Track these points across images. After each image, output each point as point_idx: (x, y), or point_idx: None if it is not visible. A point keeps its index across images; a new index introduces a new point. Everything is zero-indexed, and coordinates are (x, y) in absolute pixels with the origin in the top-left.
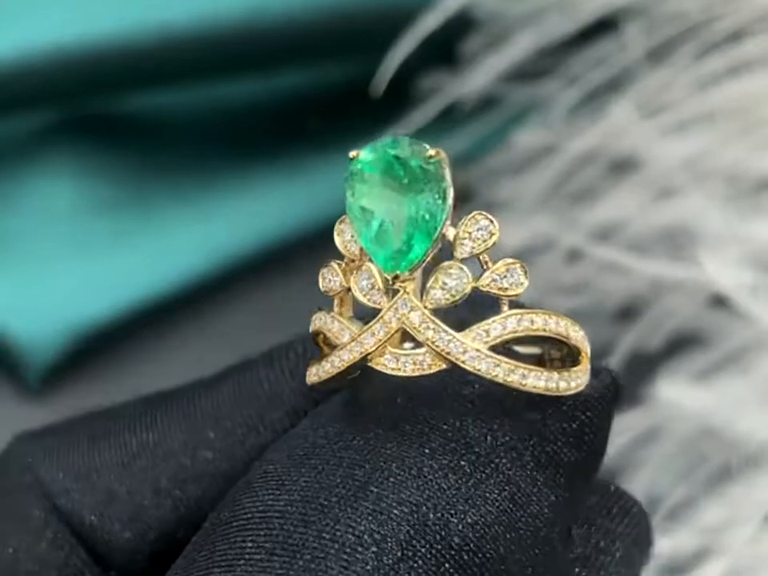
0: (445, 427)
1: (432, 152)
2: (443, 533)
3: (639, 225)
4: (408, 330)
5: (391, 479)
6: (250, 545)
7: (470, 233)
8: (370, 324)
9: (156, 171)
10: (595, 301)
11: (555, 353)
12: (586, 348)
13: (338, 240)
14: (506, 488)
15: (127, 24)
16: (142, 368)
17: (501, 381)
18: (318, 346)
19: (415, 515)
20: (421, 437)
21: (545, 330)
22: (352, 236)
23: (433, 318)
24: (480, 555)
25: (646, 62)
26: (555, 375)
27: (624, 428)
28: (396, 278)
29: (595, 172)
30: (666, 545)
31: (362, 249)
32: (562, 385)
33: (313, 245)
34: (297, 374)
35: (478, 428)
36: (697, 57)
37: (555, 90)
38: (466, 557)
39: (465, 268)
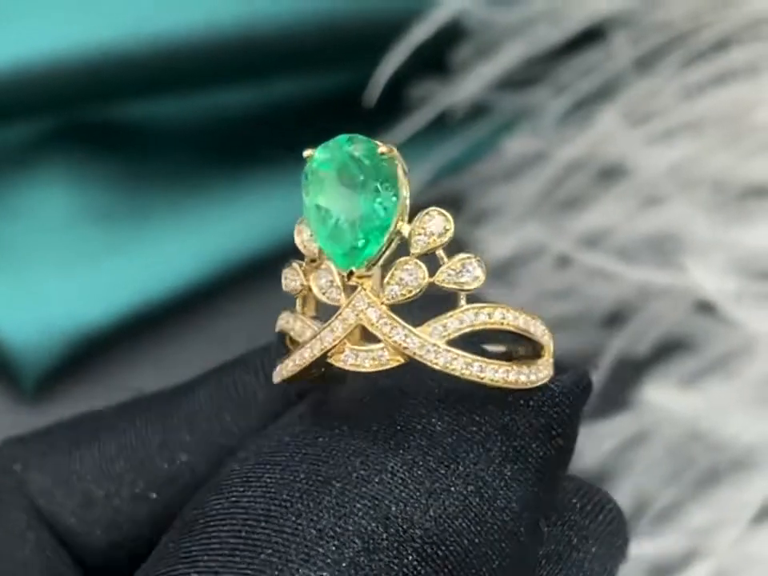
0: (411, 423)
1: (384, 149)
2: (405, 526)
3: (627, 231)
4: (365, 325)
5: (354, 474)
6: (214, 541)
7: (424, 228)
8: (329, 321)
9: (150, 179)
10: (583, 306)
11: (521, 350)
12: (548, 342)
13: (297, 240)
14: (472, 482)
15: (122, 33)
16: (136, 374)
17: (458, 374)
18: (285, 347)
19: (378, 509)
20: (386, 433)
21: (502, 324)
22: (311, 235)
23: (390, 313)
24: (443, 548)
25: (634, 71)
26: (514, 368)
27: (612, 432)
28: (351, 274)
29: (584, 179)
30: (654, 547)
31: (320, 248)
32: (522, 378)
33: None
34: (271, 377)
35: (444, 424)
36: (683, 65)
37: (544, 98)
38: (429, 549)
39: (421, 264)
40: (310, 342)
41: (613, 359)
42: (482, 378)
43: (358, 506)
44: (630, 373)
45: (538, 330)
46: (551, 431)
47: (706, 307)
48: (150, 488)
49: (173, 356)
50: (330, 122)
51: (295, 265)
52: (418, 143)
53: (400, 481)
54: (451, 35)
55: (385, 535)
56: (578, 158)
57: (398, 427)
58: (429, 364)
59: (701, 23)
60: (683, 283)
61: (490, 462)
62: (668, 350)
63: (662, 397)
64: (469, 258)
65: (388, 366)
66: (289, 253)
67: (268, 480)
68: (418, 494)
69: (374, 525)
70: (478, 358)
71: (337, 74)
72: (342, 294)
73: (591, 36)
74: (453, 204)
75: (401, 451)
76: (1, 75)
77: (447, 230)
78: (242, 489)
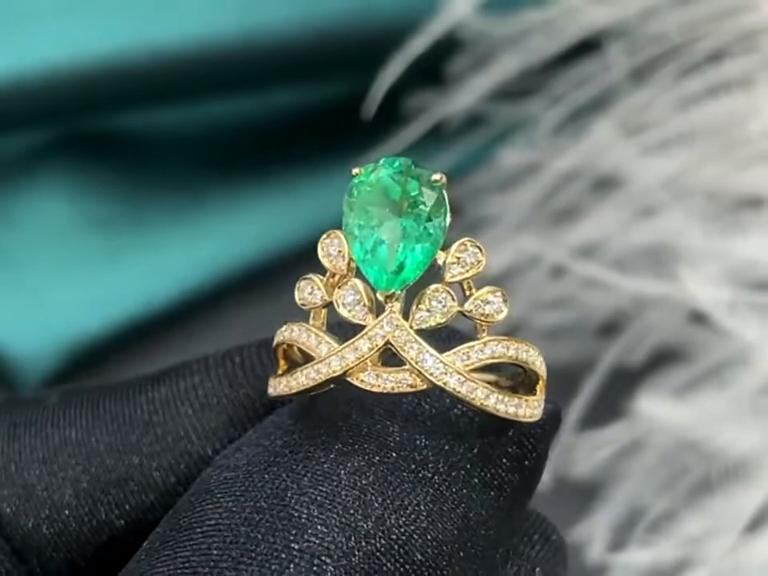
0: (400, 447)
1: (436, 176)
2: (406, 547)
3: (621, 242)
4: (393, 347)
5: (355, 491)
6: (215, 552)
7: (458, 258)
8: (354, 339)
9: (149, 189)
10: (578, 316)
11: (506, 381)
12: (544, 377)
13: (322, 254)
14: (459, 507)
15: (120, 44)
16: None
17: (478, 405)
18: (276, 358)
19: (381, 528)
20: (380, 453)
21: (517, 359)
22: (339, 251)
23: (417, 338)
24: (438, 572)
25: (628, 82)
26: (524, 403)
27: (607, 441)
28: (391, 296)
29: (578, 190)
30: (648, 555)
31: (349, 264)
32: (528, 412)
33: (303, 262)
34: (234, 383)
35: (430, 448)
36: (677, 77)
37: (539, 109)
38: (426, 573)
39: (452, 292)
40: (328, 358)
41: (607, 369)
42: (498, 411)
43: (363, 525)
44: (625, 382)
45: (542, 366)
46: (525, 461)
47: (699, 317)
48: (95, 487)
49: (173, 363)
50: (328, 133)
51: (315, 279)
52: (414, 153)
53: (399, 503)
54: (447, 47)
55: (389, 556)
56: (572, 169)
57: (389, 447)
58: (452, 392)
59: (695, 35)
60: (677, 293)
61: (473, 488)
62: (662, 359)
63: (655, 407)
64: (496, 290)
65: (408, 390)
66: (287, 262)
67: (269, 491)
68: (414, 515)
69: (378, 545)
70: (494, 389)
71: (335, 84)
72: (370, 315)
73: (586, 48)
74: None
75: (396, 472)
76: (0, 86)
77: (480, 261)
78: (242, 498)
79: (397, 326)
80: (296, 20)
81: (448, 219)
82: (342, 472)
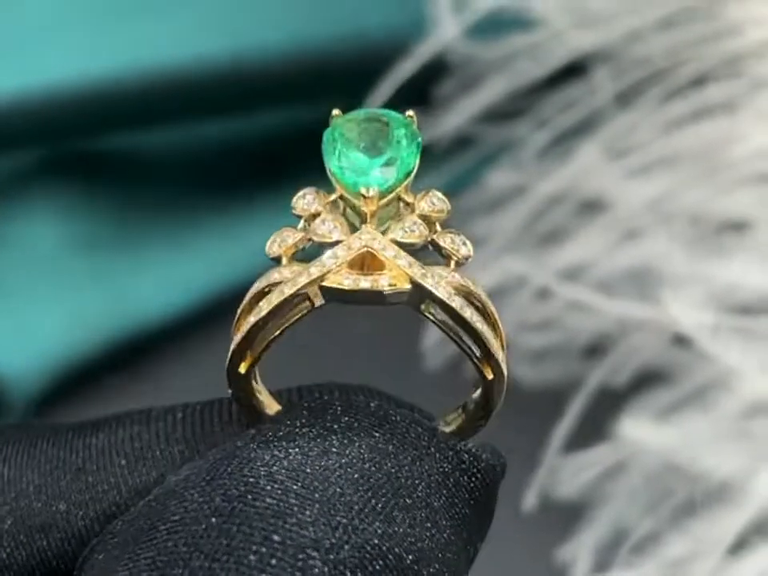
0: (371, 450)
1: (409, 113)
2: (395, 548)
3: (606, 265)
4: (371, 249)
5: (334, 485)
6: (183, 549)
7: (427, 197)
8: (333, 249)
9: (137, 210)
10: (564, 338)
11: (471, 404)
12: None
13: (297, 204)
14: (432, 518)
15: (110, 65)
16: (124, 403)
17: (455, 309)
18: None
19: (366, 523)
20: (353, 451)
21: (480, 298)
22: (314, 199)
23: (393, 245)
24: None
25: (614, 106)
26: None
27: (591, 463)
28: (371, 200)
29: (564, 212)
30: None
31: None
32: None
33: None
34: (171, 439)
35: (409, 469)
36: (662, 101)
37: (526, 132)
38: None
39: (423, 223)
40: (308, 269)
41: (592, 390)
42: (473, 323)
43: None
44: (610, 404)
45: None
46: (476, 494)
47: (683, 340)
48: (19, 529)
49: (159, 385)
50: (317, 155)
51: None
52: None
53: (356, 497)
54: (435, 70)
55: (348, 547)
56: (558, 192)
57: (359, 453)
58: (430, 290)
59: (679, 60)
60: (661, 317)
61: (435, 510)
62: (646, 382)
63: (638, 430)
64: (459, 233)
65: (386, 290)
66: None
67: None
68: (398, 520)
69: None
70: (472, 308)
71: (324, 107)
72: (348, 233)
73: (572, 71)
74: None
75: (361, 473)
76: None
77: (446, 208)
78: (209, 488)
79: (374, 237)
80: (285, 43)
81: (419, 151)
82: (317, 465)
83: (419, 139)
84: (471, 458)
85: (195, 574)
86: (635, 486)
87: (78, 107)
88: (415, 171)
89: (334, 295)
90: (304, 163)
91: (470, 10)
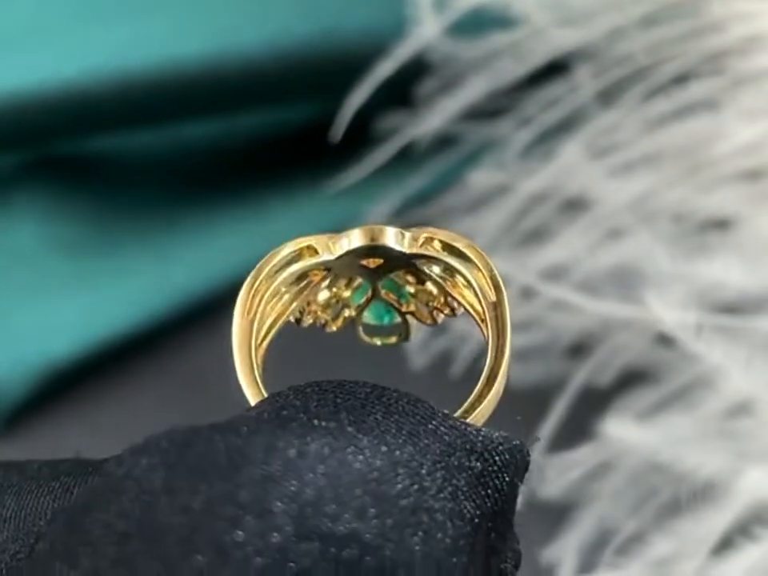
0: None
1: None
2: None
3: (588, 264)
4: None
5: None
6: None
7: None
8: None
9: (119, 213)
10: (547, 338)
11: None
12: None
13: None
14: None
15: (89, 67)
16: (105, 407)
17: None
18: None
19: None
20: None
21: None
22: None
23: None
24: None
25: (596, 104)
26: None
27: (576, 463)
28: None
29: (547, 211)
30: None
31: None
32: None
33: None
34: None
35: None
36: (644, 99)
37: (508, 130)
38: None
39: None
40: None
41: (576, 390)
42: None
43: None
44: (594, 403)
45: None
46: (486, 479)
47: (666, 339)
48: None
49: (141, 390)
50: (298, 156)
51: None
52: (383, 176)
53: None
54: (416, 69)
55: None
56: (541, 191)
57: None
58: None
59: (661, 57)
60: (644, 316)
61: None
62: (630, 381)
63: (622, 429)
64: None
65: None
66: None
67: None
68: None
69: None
70: None
71: (304, 108)
72: None
73: (554, 70)
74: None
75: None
76: None
77: None
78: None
79: None
80: (265, 44)
81: None
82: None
83: None
84: (481, 438)
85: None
86: (620, 485)
87: (58, 110)
88: None
89: None
90: (286, 165)
91: (451, 8)
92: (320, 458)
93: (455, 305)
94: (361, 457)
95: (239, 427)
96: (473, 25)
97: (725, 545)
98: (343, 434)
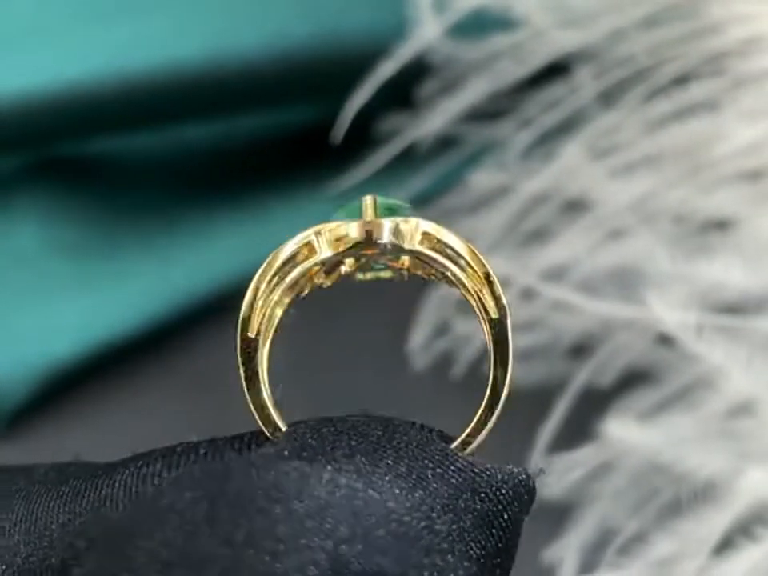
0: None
1: None
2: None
3: (589, 265)
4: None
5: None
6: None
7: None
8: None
9: (120, 214)
10: (548, 339)
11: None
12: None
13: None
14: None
15: (91, 69)
16: (107, 409)
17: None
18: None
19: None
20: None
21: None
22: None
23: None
24: None
25: (597, 105)
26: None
27: (577, 463)
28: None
29: (548, 212)
30: None
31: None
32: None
33: None
34: None
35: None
36: (645, 100)
37: (509, 132)
38: None
39: None
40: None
41: (577, 390)
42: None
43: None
44: (595, 404)
45: None
46: (491, 518)
47: (667, 340)
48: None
49: (143, 392)
50: (299, 157)
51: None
52: (385, 177)
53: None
54: (417, 71)
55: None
56: (542, 192)
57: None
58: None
59: (662, 58)
60: (645, 316)
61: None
62: (631, 381)
63: (623, 430)
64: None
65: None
66: None
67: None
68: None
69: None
70: None
71: (305, 109)
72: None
73: (555, 71)
74: None
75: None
76: None
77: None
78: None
79: None
80: (266, 45)
81: None
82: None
83: None
84: (486, 478)
85: None
86: (621, 485)
87: (57, 112)
88: None
89: None
90: (287, 167)
91: (452, 9)
92: (347, 498)
93: (448, 275)
94: (379, 499)
95: (270, 462)
96: (474, 26)
97: (726, 545)
98: (361, 477)
